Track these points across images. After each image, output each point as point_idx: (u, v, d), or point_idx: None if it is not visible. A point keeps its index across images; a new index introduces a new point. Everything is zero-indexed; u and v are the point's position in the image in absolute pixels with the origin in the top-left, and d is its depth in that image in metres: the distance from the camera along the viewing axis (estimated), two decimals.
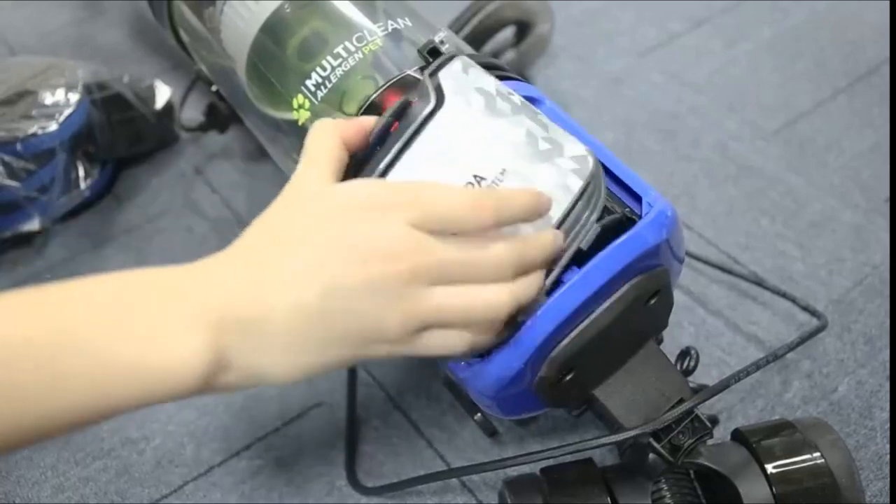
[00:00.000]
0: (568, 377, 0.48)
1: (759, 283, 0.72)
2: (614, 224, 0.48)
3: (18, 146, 0.76)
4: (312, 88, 0.56)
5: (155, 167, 0.89)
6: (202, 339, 0.36)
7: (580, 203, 0.45)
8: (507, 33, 0.92)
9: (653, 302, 0.49)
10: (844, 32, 1.01)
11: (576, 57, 1.00)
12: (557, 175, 0.45)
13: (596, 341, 0.47)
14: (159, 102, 0.89)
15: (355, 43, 0.56)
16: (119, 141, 0.86)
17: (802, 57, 0.98)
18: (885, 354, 0.68)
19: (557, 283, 0.46)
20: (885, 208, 0.80)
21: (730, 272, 0.73)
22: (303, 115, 0.57)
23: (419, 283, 0.38)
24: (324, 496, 0.62)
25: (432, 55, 0.52)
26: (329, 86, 0.56)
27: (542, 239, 0.42)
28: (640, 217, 0.48)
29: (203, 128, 0.86)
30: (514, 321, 0.45)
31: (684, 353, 0.54)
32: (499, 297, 0.40)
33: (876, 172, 0.84)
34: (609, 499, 0.50)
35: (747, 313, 0.72)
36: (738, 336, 0.70)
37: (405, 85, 0.52)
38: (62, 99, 0.79)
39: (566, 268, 0.46)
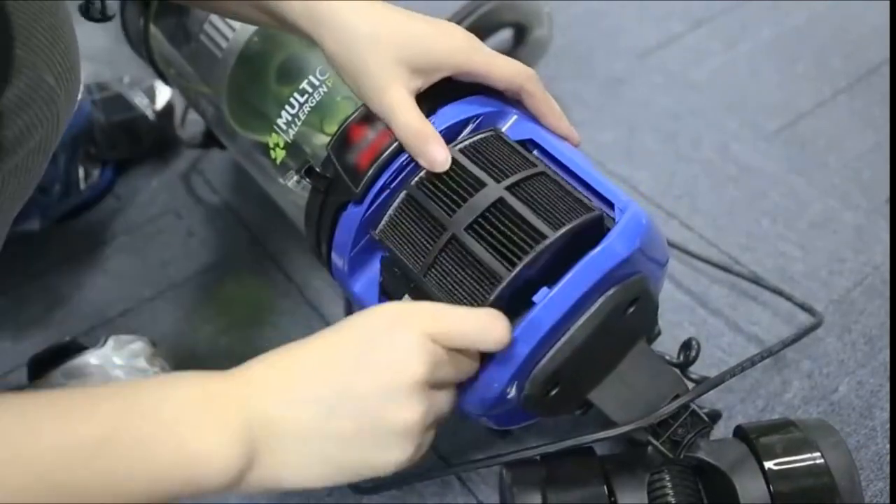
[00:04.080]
0: (553, 392, 0.48)
1: (756, 280, 0.72)
2: (586, 234, 0.46)
3: None
4: (284, 127, 0.56)
5: (155, 167, 0.89)
6: (237, 435, 0.38)
7: None
8: (506, 36, 0.92)
9: (631, 310, 0.48)
10: (845, 33, 1.01)
11: (577, 57, 1.00)
12: None
13: (577, 355, 0.46)
14: (159, 103, 0.89)
15: (318, 76, 0.56)
16: (119, 141, 0.86)
17: (803, 57, 0.98)
18: (886, 355, 0.68)
19: (530, 304, 0.45)
20: (886, 209, 0.80)
21: (725, 269, 0.73)
22: (279, 154, 0.58)
23: (423, 388, 0.41)
24: (324, 496, 0.62)
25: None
26: (299, 123, 0.56)
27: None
28: (615, 221, 0.47)
29: (205, 145, 0.85)
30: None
31: (686, 345, 0.54)
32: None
33: (876, 173, 0.84)
34: (605, 486, 0.50)
35: (748, 313, 0.72)
36: (739, 336, 0.70)
37: (367, 117, 0.51)
38: None
39: (538, 288, 0.45)
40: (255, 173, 0.66)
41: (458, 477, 0.62)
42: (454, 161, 0.48)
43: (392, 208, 0.50)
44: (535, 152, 0.52)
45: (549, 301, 0.44)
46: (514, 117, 0.52)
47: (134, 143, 0.87)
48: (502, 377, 0.46)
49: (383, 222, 0.50)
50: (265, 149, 0.59)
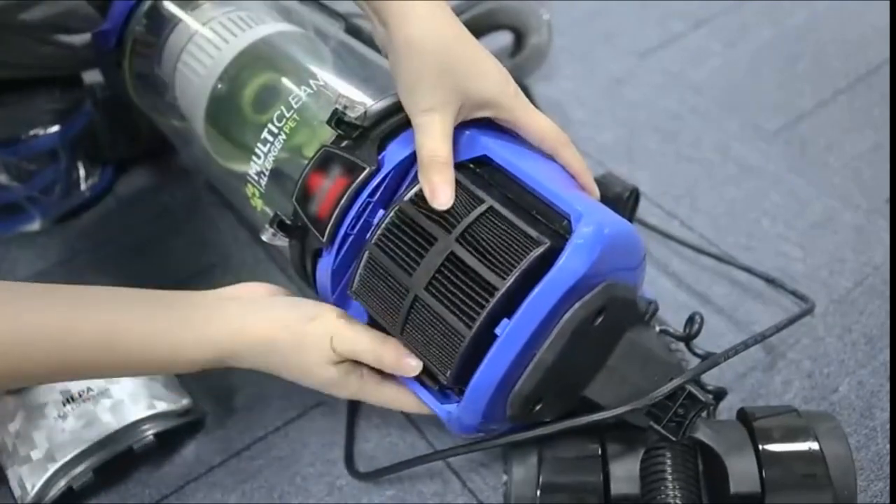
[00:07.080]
0: (538, 407, 0.48)
1: (748, 269, 0.73)
2: (539, 265, 0.45)
3: (20, 147, 0.76)
4: (256, 178, 0.57)
5: (155, 167, 0.89)
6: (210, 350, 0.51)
7: None
8: (506, 42, 0.92)
9: (601, 319, 0.47)
10: (845, 33, 1.01)
11: (577, 57, 1.00)
12: None
13: (550, 374, 0.46)
14: None
15: (276, 123, 0.56)
16: (120, 141, 0.86)
17: (803, 58, 0.98)
18: (886, 355, 0.68)
19: (493, 336, 0.45)
20: (886, 209, 0.80)
21: (716, 258, 0.74)
22: (258, 204, 0.58)
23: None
24: (324, 496, 0.62)
25: (339, 126, 0.51)
26: (267, 173, 0.56)
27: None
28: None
29: None
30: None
31: (690, 319, 0.55)
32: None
33: (876, 173, 0.84)
34: (600, 449, 0.51)
35: (749, 313, 0.72)
36: (741, 335, 0.69)
37: (327, 161, 0.51)
38: None
39: (499, 319, 0.45)
40: (231, 198, 0.66)
41: (458, 477, 0.62)
42: (404, 213, 0.49)
43: (360, 267, 0.50)
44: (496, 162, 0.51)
45: (509, 334, 0.45)
46: (466, 133, 0.52)
47: (134, 143, 0.87)
48: (475, 411, 0.47)
49: (356, 281, 0.51)
50: (245, 181, 0.59)
